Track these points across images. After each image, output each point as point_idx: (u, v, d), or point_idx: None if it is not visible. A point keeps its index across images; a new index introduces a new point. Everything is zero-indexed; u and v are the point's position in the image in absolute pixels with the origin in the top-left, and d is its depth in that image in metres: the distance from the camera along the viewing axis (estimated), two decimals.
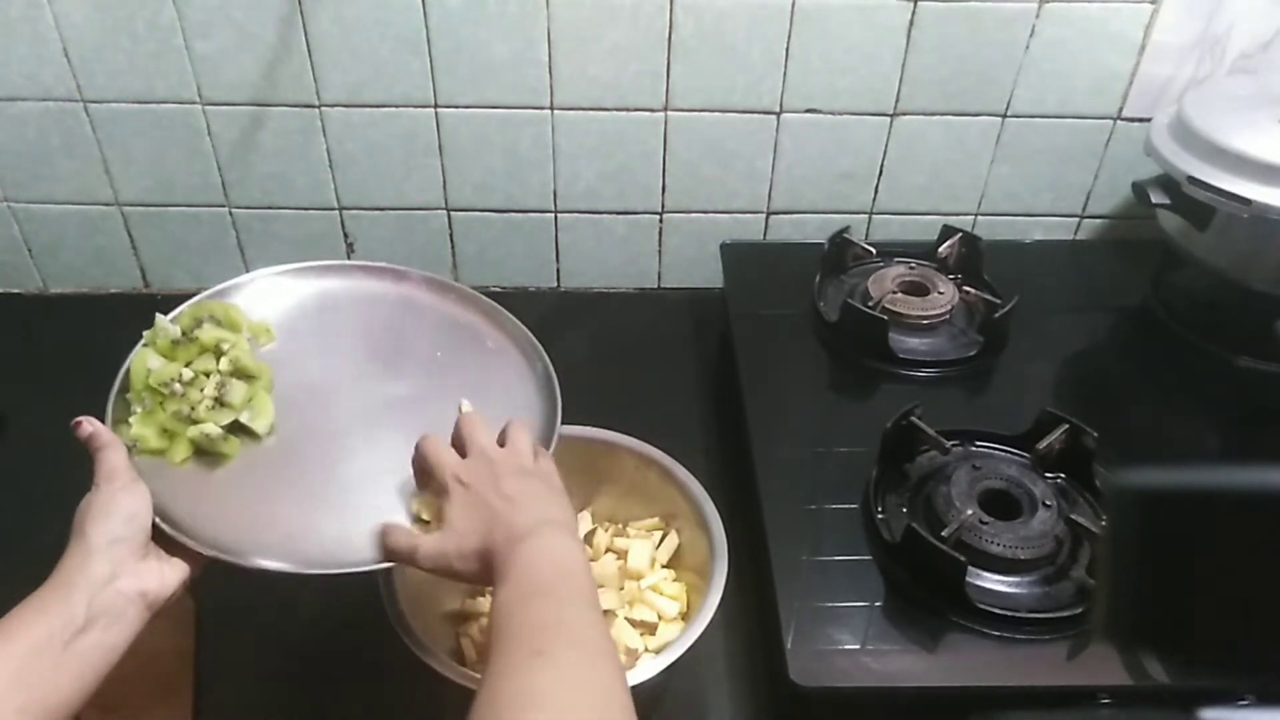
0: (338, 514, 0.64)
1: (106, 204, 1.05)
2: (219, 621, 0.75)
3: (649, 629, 0.71)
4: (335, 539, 0.63)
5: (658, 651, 0.66)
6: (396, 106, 0.98)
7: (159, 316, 0.70)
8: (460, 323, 0.77)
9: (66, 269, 1.10)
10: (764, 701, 0.72)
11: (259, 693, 0.71)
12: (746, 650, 0.74)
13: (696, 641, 0.63)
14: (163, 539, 0.60)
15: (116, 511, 0.58)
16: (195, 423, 0.66)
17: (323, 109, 0.98)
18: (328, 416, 0.70)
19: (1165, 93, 0.98)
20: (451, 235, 1.08)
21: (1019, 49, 0.96)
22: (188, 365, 0.68)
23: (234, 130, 0.99)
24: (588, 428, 0.78)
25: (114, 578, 0.56)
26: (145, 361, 0.68)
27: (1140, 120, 1.00)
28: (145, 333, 0.70)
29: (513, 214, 1.07)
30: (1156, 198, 0.89)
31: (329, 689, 0.72)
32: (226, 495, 0.64)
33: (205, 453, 0.66)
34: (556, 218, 1.07)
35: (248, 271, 1.13)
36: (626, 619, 0.71)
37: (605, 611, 0.69)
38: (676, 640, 0.63)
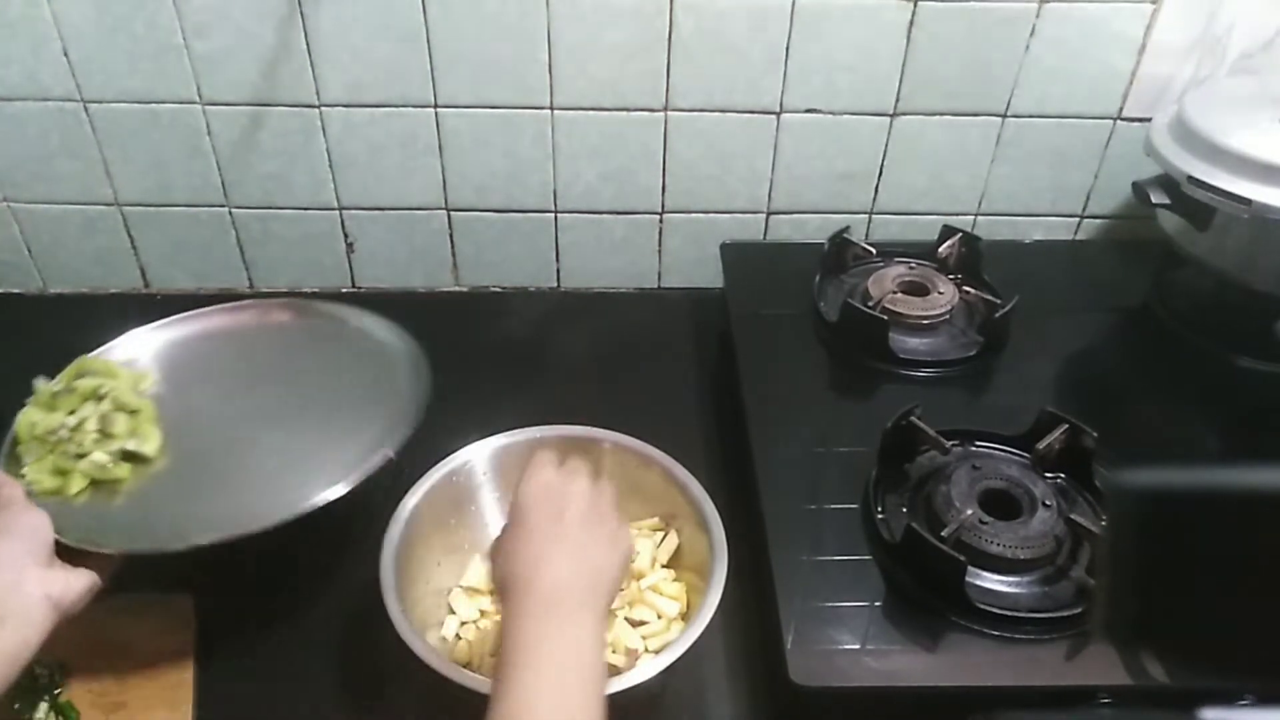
0: (234, 504, 0.69)
1: (106, 204, 1.05)
2: (219, 622, 0.75)
3: (649, 629, 0.71)
4: (233, 520, 0.67)
5: (658, 651, 0.66)
6: (396, 106, 0.98)
7: (37, 380, 0.76)
8: (323, 335, 0.86)
9: (66, 269, 1.10)
10: (764, 701, 0.72)
11: (259, 693, 0.71)
12: (746, 650, 0.74)
13: (696, 641, 0.63)
14: (69, 554, 0.64)
15: (17, 529, 0.62)
16: (84, 456, 0.71)
17: (322, 109, 0.98)
18: (213, 436, 0.76)
19: (1165, 93, 0.98)
20: (451, 235, 1.08)
21: (1019, 49, 0.96)
22: (70, 414, 0.73)
23: (234, 130, 0.99)
24: (588, 428, 0.78)
25: (20, 583, 0.59)
26: (30, 418, 0.74)
27: (1140, 120, 1.00)
28: (29, 399, 0.75)
29: (513, 214, 1.07)
30: (1156, 198, 0.89)
31: (329, 689, 0.72)
32: (128, 516, 0.70)
33: (101, 484, 0.71)
34: (556, 218, 1.07)
35: (247, 272, 1.14)
36: (626, 619, 0.71)
37: None
38: (676, 640, 0.63)
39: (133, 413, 0.75)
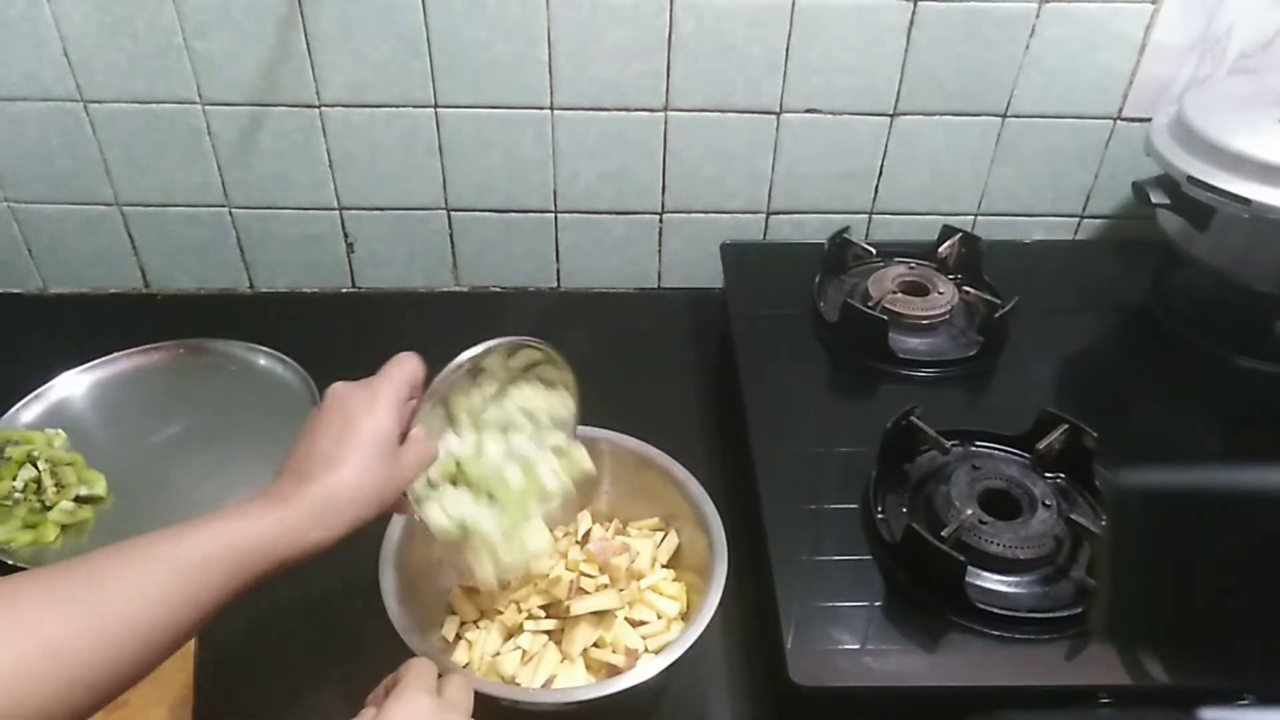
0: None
1: (106, 204, 1.05)
2: (219, 621, 0.75)
3: (649, 629, 0.71)
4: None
5: (658, 651, 0.66)
6: (396, 106, 0.98)
7: None
8: (223, 370, 0.97)
9: (66, 269, 1.10)
10: (764, 701, 0.72)
11: (259, 693, 0.71)
12: (746, 650, 0.74)
13: (696, 641, 0.63)
14: None
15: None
16: (50, 508, 0.81)
17: (323, 109, 0.98)
18: (145, 469, 0.87)
19: (1165, 93, 0.98)
20: (451, 235, 1.08)
21: (1019, 49, 0.96)
22: (14, 479, 0.82)
23: (234, 130, 1.00)
24: (588, 427, 0.78)
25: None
26: None
27: (1140, 120, 1.00)
28: None
29: (513, 214, 1.07)
30: (1156, 198, 0.89)
31: (330, 691, 0.72)
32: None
33: (69, 528, 0.81)
34: (556, 218, 1.07)
35: (247, 272, 1.14)
36: (626, 619, 0.71)
37: (605, 612, 0.69)
38: (676, 640, 0.63)
39: (69, 464, 0.84)
